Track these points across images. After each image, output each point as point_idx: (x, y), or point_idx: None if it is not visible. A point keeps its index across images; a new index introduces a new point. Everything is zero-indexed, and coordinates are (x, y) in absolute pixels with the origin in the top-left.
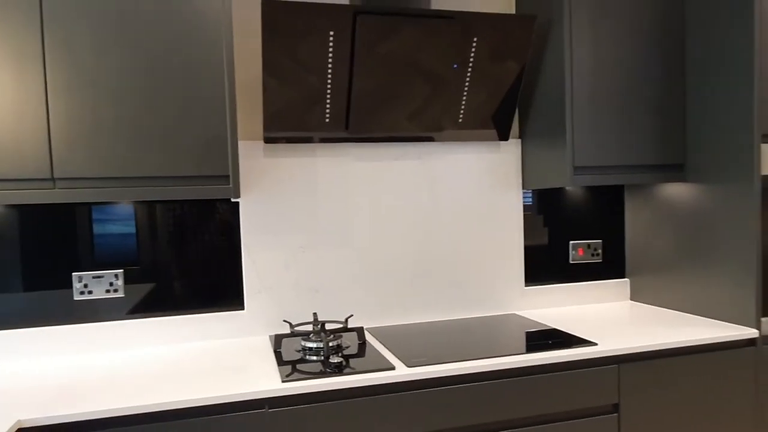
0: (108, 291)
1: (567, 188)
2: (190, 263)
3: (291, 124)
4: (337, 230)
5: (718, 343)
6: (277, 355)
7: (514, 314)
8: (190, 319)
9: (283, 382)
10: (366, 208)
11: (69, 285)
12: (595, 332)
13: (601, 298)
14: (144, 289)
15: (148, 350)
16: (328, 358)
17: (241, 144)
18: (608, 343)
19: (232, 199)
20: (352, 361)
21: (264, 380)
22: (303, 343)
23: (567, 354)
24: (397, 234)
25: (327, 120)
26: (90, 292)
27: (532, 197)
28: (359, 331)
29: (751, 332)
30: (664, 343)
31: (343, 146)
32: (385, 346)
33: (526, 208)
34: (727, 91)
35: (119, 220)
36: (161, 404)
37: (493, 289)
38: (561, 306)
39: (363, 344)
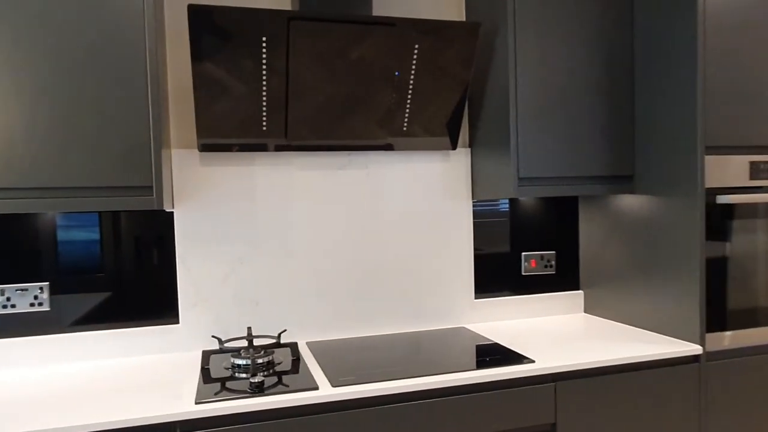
0: (32, 305)
1: (520, 198)
2: (121, 275)
3: (225, 131)
4: (278, 241)
5: (660, 360)
6: (205, 372)
7: (463, 327)
8: (121, 333)
9: (196, 404)
10: (308, 219)
11: None
12: (539, 347)
13: (554, 310)
14: (73, 302)
15: (72, 366)
16: (254, 375)
17: (176, 152)
18: (546, 360)
19: (166, 209)
20: (282, 379)
21: (178, 401)
22: (232, 359)
23: (501, 372)
24: (341, 245)
25: (264, 128)
26: (13, 306)
27: (509, 205)
28: (293, 346)
29: (695, 348)
30: (604, 360)
31: (283, 155)
32: (318, 362)
33: (486, 215)
34: (672, 102)
35: (46, 229)
36: (56, 429)
37: (442, 301)
38: (513, 319)
39: (297, 360)
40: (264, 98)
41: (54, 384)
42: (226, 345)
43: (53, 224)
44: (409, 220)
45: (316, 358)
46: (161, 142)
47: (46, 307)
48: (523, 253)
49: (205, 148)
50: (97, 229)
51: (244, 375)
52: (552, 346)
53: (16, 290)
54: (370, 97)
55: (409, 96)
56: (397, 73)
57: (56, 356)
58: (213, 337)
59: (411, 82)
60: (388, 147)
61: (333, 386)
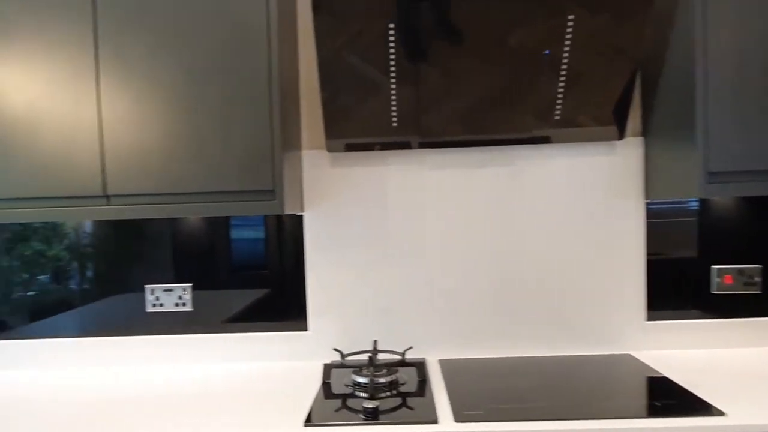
0: (177, 304)
1: (712, 198)
2: (256, 280)
3: (353, 130)
4: (412, 247)
5: None
6: (325, 387)
7: (629, 355)
8: (253, 337)
9: (305, 426)
10: (445, 223)
11: (144, 296)
12: (733, 393)
13: (757, 341)
14: (211, 303)
15: (202, 367)
16: (372, 398)
17: (306, 154)
18: (743, 413)
19: (296, 213)
20: (407, 401)
21: (284, 422)
22: (353, 376)
23: (678, 425)
24: (481, 252)
25: (394, 124)
26: (161, 305)
27: (699, 204)
28: (419, 365)
29: None
30: None
31: (418, 153)
32: (446, 387)
33: (664, 215)
34: None
35: (188, 234)
36: None
37: (603, 321)
38: (697, 349)
39: (423, 382)
40: (393, 91)
41: (173, 385)
42: (347, 359)
43: (193, 229)
44: (564, 223)
45: (444, 381)
46: (283, 145)
47: (188, 308)
48: (714, 267)
49: (332, 148)
50: (233, 233)
51: (363, 394)
52: (752, 392)
53: (164, 290)
54: (516, 82)
55: (563, 78)
56: (546, 52)
57: (192, 356)
58: (335, 350)
59: (564, 61)
60: (539, 140)
61: (456, 421)
